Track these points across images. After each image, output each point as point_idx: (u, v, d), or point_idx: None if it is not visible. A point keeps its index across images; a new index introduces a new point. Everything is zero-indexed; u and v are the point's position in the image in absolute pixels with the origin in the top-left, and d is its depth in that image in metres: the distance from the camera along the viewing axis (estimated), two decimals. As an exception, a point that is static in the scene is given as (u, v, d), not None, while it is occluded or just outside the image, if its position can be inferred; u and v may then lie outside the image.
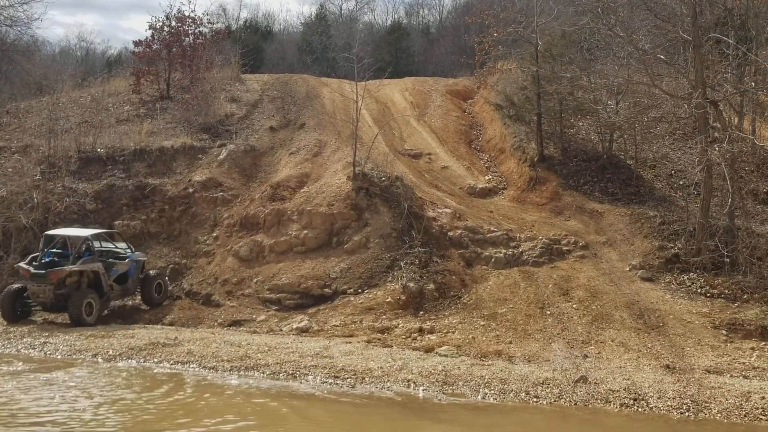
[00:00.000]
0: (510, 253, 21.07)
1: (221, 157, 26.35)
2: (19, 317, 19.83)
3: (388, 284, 19.88)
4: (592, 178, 24.74)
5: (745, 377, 14.88)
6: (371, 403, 14.19)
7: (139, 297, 21.37)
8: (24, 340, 18.26)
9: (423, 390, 14.62)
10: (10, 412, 13.41)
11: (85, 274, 19.69)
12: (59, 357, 17.09)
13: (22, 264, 19.87)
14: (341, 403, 14.20)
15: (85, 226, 22.59)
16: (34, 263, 19.70)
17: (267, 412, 13.75)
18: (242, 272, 21.44)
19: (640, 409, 13.57)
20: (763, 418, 13.10)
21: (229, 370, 15.88)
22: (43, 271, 19.23)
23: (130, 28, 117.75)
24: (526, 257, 20.87)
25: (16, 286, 19.98)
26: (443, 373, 15.22)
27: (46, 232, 20.59)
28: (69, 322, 19.61)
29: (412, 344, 17.39)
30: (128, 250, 21.24)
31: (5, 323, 19.61)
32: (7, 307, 19.67)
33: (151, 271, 21.48)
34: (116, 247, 21.34)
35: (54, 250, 20.16)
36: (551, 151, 26.43)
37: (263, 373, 15.73)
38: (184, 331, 18.96)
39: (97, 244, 20.55)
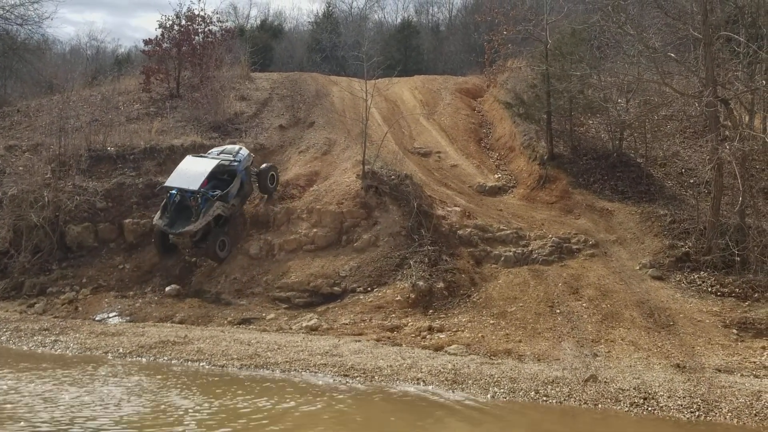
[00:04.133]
0: (520, 251, 21.05)
1: (230, 155, 26.37)
2: (171, 252, 22.27)
3: (397, 283, 19.87)
4: (602, 177, 24.67)
5: (756, 376, 14.81)
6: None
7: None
8: (35, 338, 18.36)
9: (432, 388, 14.63)
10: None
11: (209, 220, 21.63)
12: (70, 354, 17.20)
13: (159, 223, 21.44)
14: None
15: (198, 154, 23.89)
16: (166, 215, 21.42)
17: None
18: (252, 270, 21.46)
19: (650, 409, 13.54)
20: (773, 417, 13.06)
21: (239, 368, 15.96)
22: (177, 232, 21.28)
23: (139, 27, 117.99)
24: (535, 256, 20.85)
25: (160, 229, 21.60)
26: (453, 371, 15.23)
27: (162, 185, 22.07)
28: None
29: (422, 343, 17.39)
30: (236, 159, 22.67)
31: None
32: (158, 246, 22.08)
33: (262, 166, 23.77)
34: (225, 163, 22.54)
35: (177, 192, 21.56)
36: (561, 149, 26.37)
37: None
38: (193, 329, 19.00)
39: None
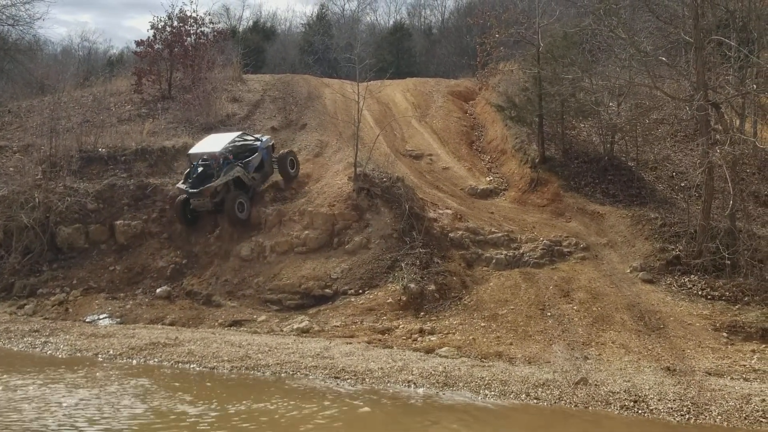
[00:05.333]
0: (511, 254, 21.06)
1: (222, 157, 26.43)
2: (191, 222, 23.12)
3: (388, 285, 19.85)
4: (593, 180, 24.70)
5: (746, 380, 14.84)
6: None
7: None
8: (25, 339, 18.29)
9: (423, 391, 14.63)
10: None
11: (229, 181, 22.57)
12: (60, 357, 17.14)
13: (180, 186, 22.66)
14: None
15: (221, 130, 26.27)
16: (189, 180, 22.57)
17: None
18: (243, 272, 21.41)
19: (640, 411, 13.55)
20: (763, 420, 13.06)
21: (230, 370, 15.93)
22: (197, 190, 22.17)
23: (131, 27, 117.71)
24: (526, 258, 20.87)
25: (182, 197, 22.75)
26: (444, 374, 15.23)
27: (188, 152, 23.33)
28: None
29: (413, 345, 17.37)
30: (258, 141, 24.48)
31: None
32: (179, 214, 22.98)
33: (282, 151, 25.26)
34: (247, 141, 24.39)
35: (201, 163, 22.96)
36: (552, 152, 26.39)
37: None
38: (184, 331, 18.97)
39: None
